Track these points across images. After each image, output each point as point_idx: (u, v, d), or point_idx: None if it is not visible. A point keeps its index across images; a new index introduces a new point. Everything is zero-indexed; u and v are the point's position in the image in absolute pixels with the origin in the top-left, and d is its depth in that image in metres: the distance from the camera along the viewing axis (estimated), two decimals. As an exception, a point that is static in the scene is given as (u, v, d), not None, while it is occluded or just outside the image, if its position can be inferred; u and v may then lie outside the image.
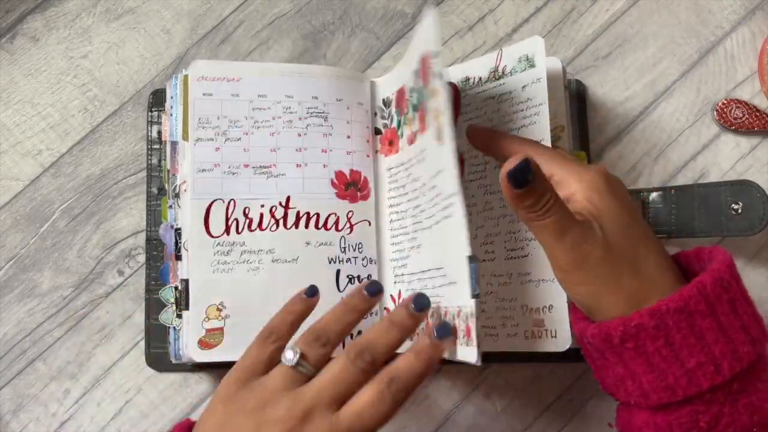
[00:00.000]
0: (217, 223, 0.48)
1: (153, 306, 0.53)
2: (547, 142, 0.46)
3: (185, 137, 0.49)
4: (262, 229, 0.49)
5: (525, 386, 0.54)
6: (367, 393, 0.38)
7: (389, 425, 0.54)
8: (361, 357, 0.39)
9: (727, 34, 0.57)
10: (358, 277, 0.50)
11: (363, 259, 0.51)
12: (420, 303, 0.41)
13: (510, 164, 0.37)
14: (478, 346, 0.39)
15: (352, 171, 0.51)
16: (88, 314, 0.54)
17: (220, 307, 0.48)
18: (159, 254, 0.53)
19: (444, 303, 0.44)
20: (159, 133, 0.54)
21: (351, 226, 0.50)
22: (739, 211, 0.50)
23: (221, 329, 0.48)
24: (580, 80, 0.56)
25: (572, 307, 0.44)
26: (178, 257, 0.49)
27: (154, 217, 0.54)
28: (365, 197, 0.51)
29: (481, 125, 0.49)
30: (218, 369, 0.53)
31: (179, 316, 0.49)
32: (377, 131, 0.53)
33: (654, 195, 0.53)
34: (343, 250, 0.50)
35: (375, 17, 0.58)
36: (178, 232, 0.49)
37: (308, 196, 0.50)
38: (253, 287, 0.48)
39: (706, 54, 0.57)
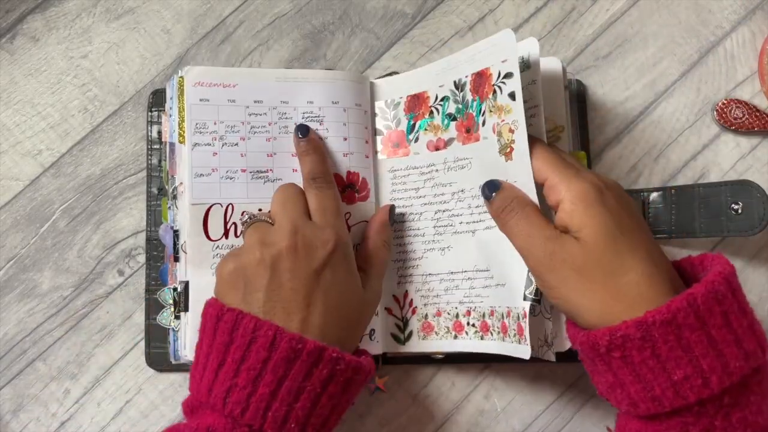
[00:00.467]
0: (215, 227, 0.48)
1: (153, 306, 0.53)
2: (544, 143, 0.46)
3: (181, 140, 0.49)
4: None
5: (525, 386, 0.54)
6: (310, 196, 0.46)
7: (389, 425, 0.54)
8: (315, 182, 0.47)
9: (727, 34, 0.57)
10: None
11: (362, 260, 0.51)
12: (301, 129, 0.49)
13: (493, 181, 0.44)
14: (538, 347, 0.44)
15: (349, 173, 0.51)
16: (88, 314, 0.54)
17: None
18: (159, 254, 0.53)
19: (489, 303, 0.47)
20: (159, 133, 0.54)
21: (348, 228, 0.50)
22: (739, 211, 0.50)
23: (221, 329, 0.48)
24: (581, 80, 0.56)
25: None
26: (177, 258, 0.49)
27: (154, 217, 0.54)
28: (364, 198, 0.51)
29: None
30: (218, 369, 0.53)
31: (177, 317, 0.49)
32: (376, 132, 0.53)
33: (654, 195, 0.53)
34: None
35: (375, 17, 0.58)
36: (176, 233, 0.49)
37: None
38: None
39: (706, 54, 0.57)
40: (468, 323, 0.49)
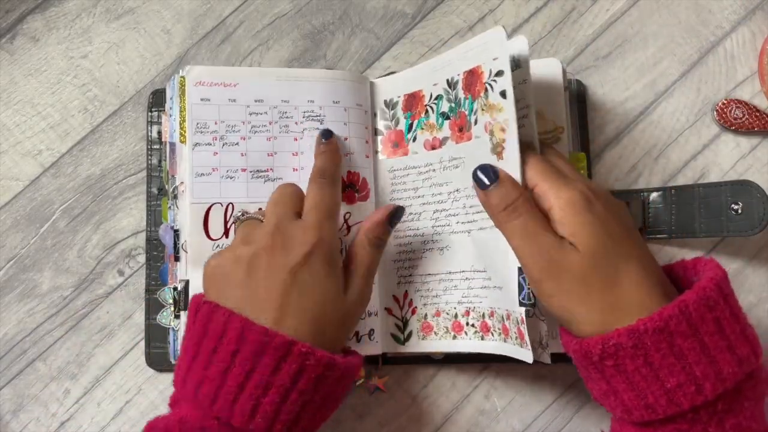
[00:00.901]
0: (216, 227, 0.49)
1: (153, 306, 0.53)
2: (535, 145, 0.45)
3: (182, 140, 0.49)
4: None
5: (525, 386, 0.54)
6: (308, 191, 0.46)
7: (389, 425, 0.54)
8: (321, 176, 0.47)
9: (727, 34, 0.57)
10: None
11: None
12: (324, 134, 0.49)
13: (487, 166, 0.43)
14: (533, 349, 0.43)
15: (349, 173, 0.51)
16: (88, 314, 0.54)
17: None
18: (159, 254, 0.53)
19: (488, 303, 0.47)
20: (159, 133, 0.54)
21: (348, 227, 0.50)
22: (739, 211, 0.50)
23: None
24: (581, 80, 0.56)
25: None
26: (177, 258, 0.49)
27: (154, 217, 0.54)
28: (364, 198, 0.51)
29: None
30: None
31: (177, 317, 0.49)
32: (376, 132, 0.53)
33: (654, 195, 0.53)
34: (340, 251, 0.50)
35: (375, 17, 0.58)
36: (176, 233, 0.49)
37: None
38: None
39: (706, 54, 0.57)
40: (467, 323, 0.49)
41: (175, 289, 0.49)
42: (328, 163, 0.48)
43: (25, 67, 0.57)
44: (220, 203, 0.49)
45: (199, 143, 0.49)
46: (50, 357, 0.53)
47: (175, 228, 0.50)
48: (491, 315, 0.47)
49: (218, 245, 0.48)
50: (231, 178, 0.49)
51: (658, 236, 0.53)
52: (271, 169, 0.50)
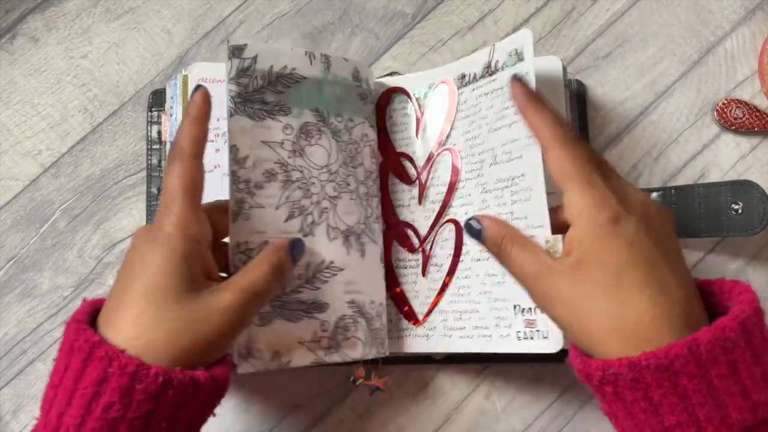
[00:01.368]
0: None
1: (153, 306, 0.53)
2: None
3: None
4: None
5: (525, 386, 0.54)
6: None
7: (389, 425, 0.54)
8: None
9: (727, 34, 0.57)
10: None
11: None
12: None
13: (469, 219, 0.42)
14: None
15: None
16: (88, 314, 0.54)
17: None
18: (159, 254, 0.53)
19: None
20: (159, 133, 0.54)
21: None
22: (740, 211, 0.50)
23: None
24: (581, 80, 0.56)
25: None
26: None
27: (154, 217, 0.54)
28: None
29: (524, 82, 0.42)
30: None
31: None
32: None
33: (654, 195, 0.53)
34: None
35: (375, 17, 0.58)
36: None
37: None
38: None
39: (706, 54, 0.57)
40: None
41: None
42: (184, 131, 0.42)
43: (25, 67, 0.57)
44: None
45: None
46: (50, 357, 0.53)
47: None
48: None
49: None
50: None
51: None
52: None
